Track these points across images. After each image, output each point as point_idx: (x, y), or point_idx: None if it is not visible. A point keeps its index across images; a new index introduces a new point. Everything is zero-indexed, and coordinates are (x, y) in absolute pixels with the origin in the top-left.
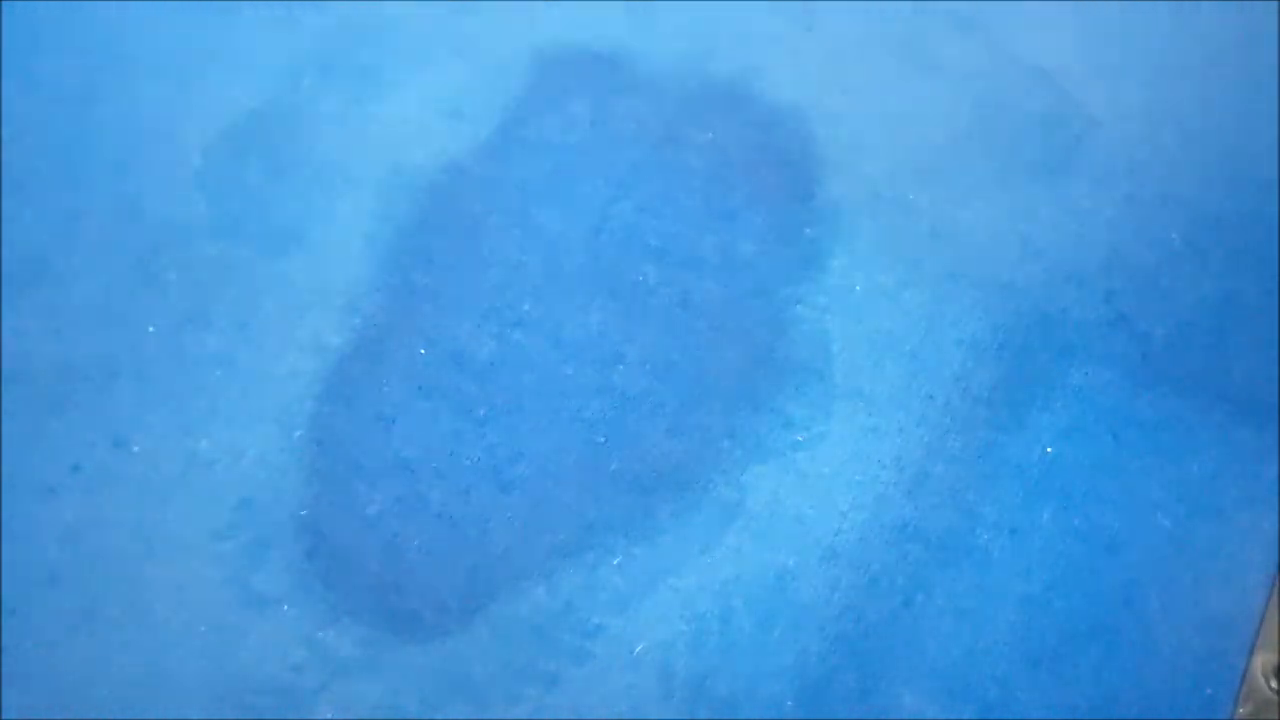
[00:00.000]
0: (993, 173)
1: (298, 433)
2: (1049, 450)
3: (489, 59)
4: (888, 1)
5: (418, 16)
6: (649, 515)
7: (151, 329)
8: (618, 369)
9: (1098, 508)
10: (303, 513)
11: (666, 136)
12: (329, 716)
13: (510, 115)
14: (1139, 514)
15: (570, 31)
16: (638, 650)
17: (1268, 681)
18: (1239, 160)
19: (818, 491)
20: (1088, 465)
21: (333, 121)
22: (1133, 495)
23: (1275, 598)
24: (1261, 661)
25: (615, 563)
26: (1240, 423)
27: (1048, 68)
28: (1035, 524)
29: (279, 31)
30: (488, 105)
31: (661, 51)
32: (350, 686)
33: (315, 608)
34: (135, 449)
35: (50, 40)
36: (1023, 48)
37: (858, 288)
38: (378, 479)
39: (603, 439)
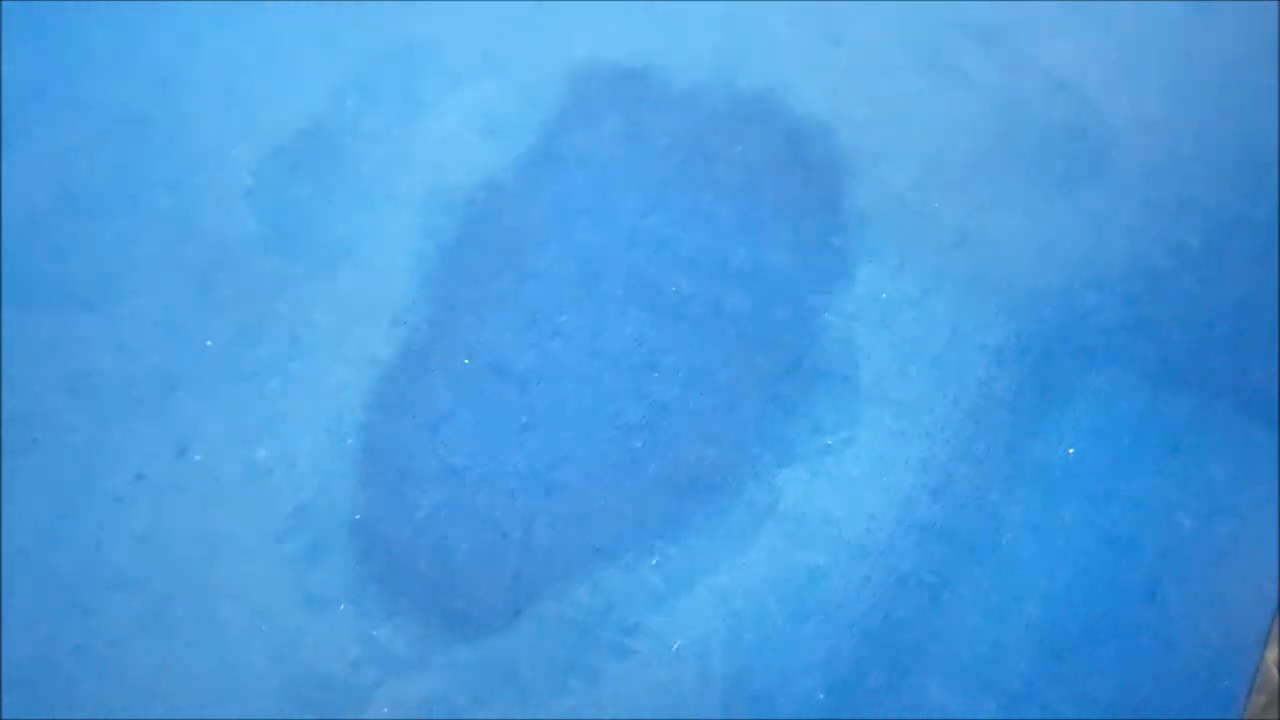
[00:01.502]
0: (1015, 181)
1: (349, 440)
2: (1071, 451)
3: (525, 78)
4: (912, 14)
5: (456, 38)
6: (685, 517)
7: (209, 343)
8: (653, 377)
9: (1118, 507)
10: (356, 517)
11: (697, 150)
12: (385, 710)
13: (546, 132)
14: (1158, 513)
15: (603, 50)
16: (676, 647)
17: None
18: (1257, 166)
19: (847, 493)
20: (1109, 466)
21: (376, 141)
22: (1152, 495)
23: None
24: (1277, 654)
25: (653, 563)
26: (1258, 424)
27: (1069, 78)
28: (1058, 523)
29: (324, 54)
30: (524, 123)
31: (692, 67)
32: (404, 682)
33: (370, 607)
34: (196, 458)
35: (106, 67)
36: (1044, 58)
37: (884, 295)
38: (426, 484)
39: (639, 444)
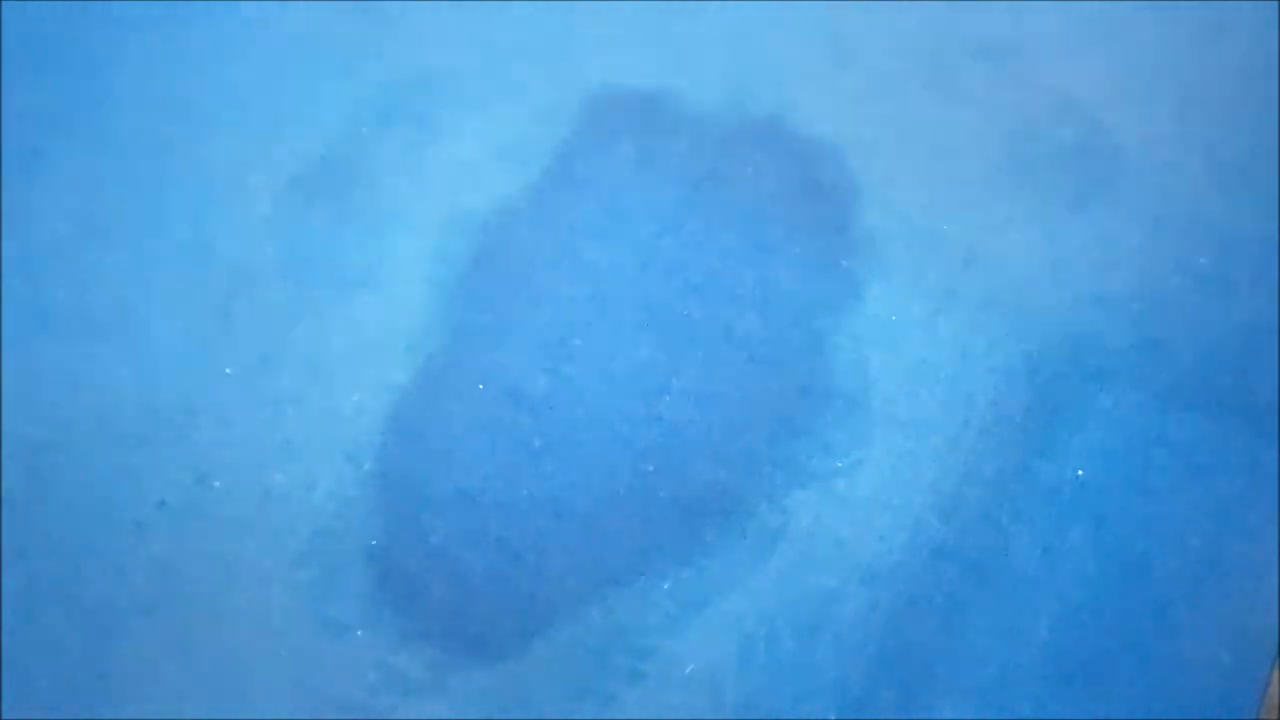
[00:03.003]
0: (1023, 201)
1: (366, 466)
2: (1080, 472)
3: (538, 104)
4: (919, 36)
5: (470, 65)
6: (697, 540)
7: (228, 370)
8: (664, 400)
9: (1128, 527)
10: (372, 542)
11: (707, 174)
12: None
13: (559, 157)
14: (1168, 533)
15: (614, 76)
16: (688, 670)
17: None
18: (1265, 185)
19: (858, 515)
20: (1118, 486)
21: (392, 167)
22: (1162, 515)
23: None
24: None
25: (666, 586)
26: (1267, 444)
27: (1076, 97)
28: (1067, 544)
29: (341, 82)
30: (538, 148)
31: (701, 92)
32: (420, 707)
33: (386, 633)
34: (216, 484)
35: (126, 97)
36: (1052, 78)
37: (893, 317)
38: (441, 509)
39: (652, 468)
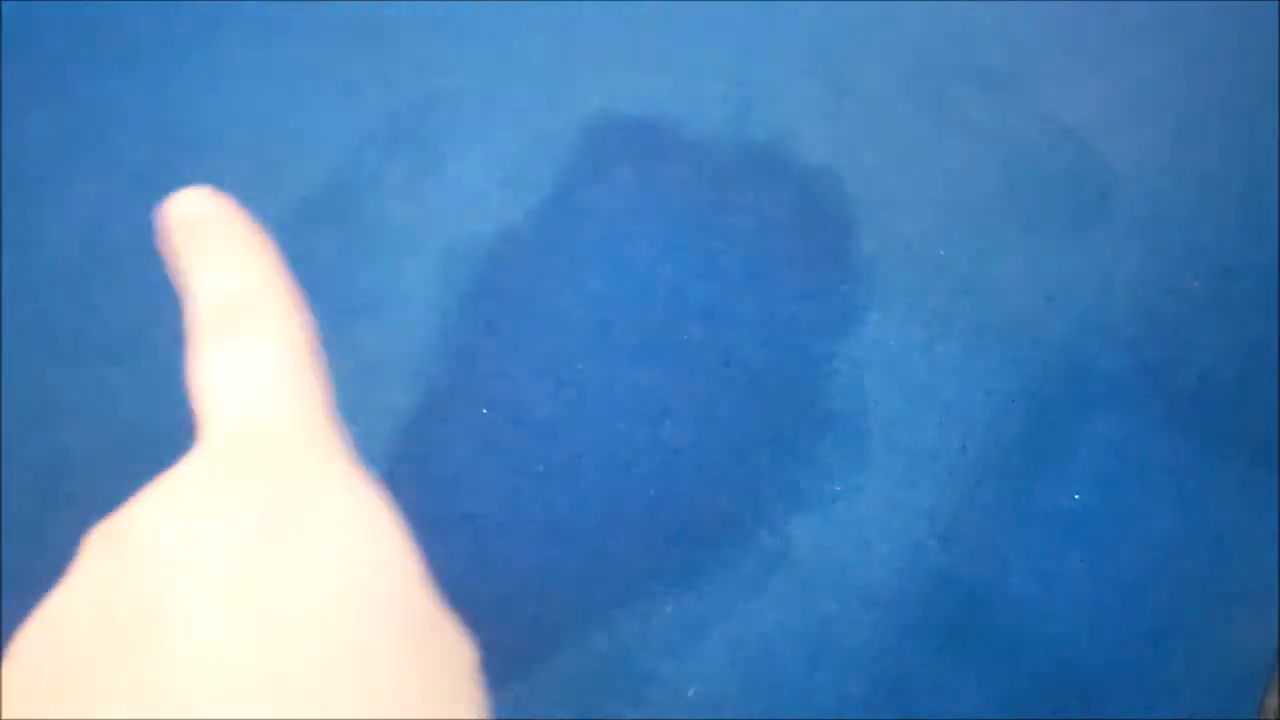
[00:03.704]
0: (1020, 227)
1: None
2: (1077, 498)
3: (540, 130)
4: (918, 64)
5: (473, 90)
6: (698, 565)
7: None
8: (665, 424)
9: (1125, 553)
10: None
11: (707, 200)
12: None
13: (560, 183)
14: (1165, 559)
15: (615, 102)
16: (691, 694)
17: None
18: (1261, 211)
19: (857, 540)
20: (1115, 512)
21: (396, 193)
22: (1159, 540)
23: None
24: (1277, 701)
25: (668, 610)
26: (1264, 469)
27: (1072, 124)
28: (1064, 570)
29: (345, 108)
30: (540, 174)
31: (702, 118)
32: None
33: None
34: None
35: (133, 124)
36: (1049, 106)
37: (892, 342)
38: (445, 533)
39: (653, 492)
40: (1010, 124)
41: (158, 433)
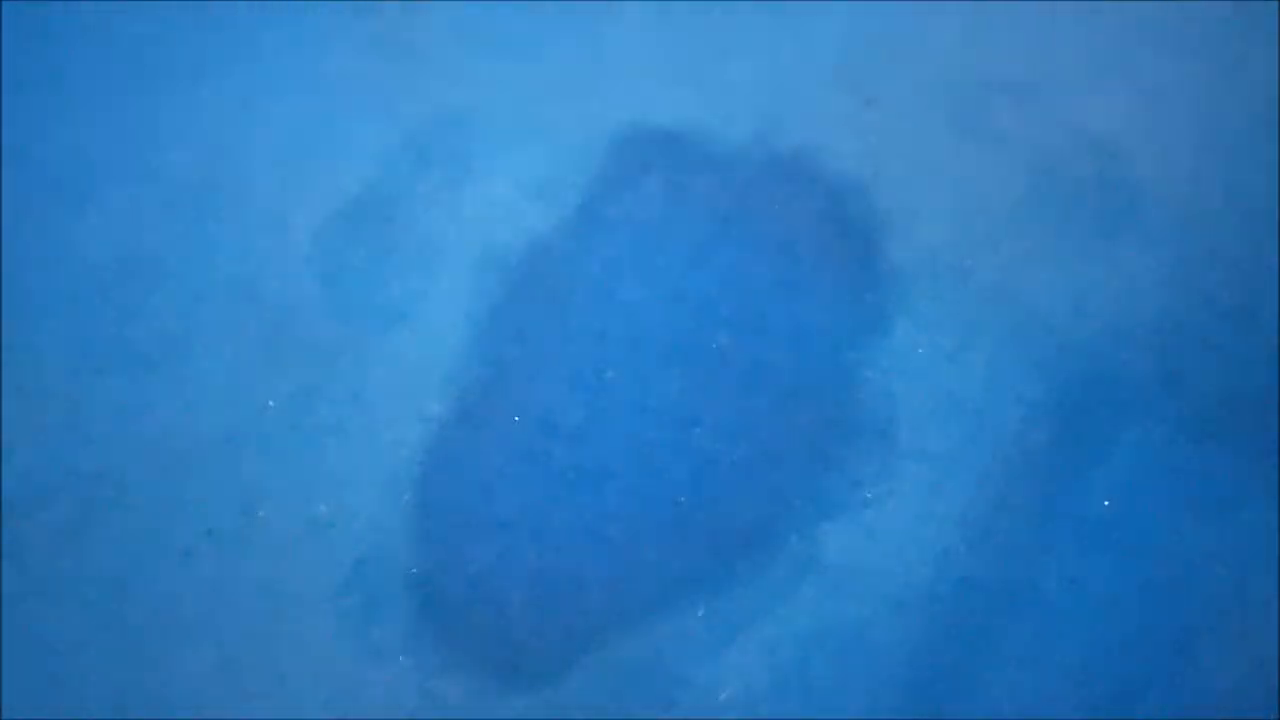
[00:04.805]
0: (1047, 236)
1: (406, 496)
2: (1106, 504)
3: (571, 142)
4: (944, 75)
5: (504, 104)
6: (729, 570)
7: (271, 402)
8: (696, 432)
9: (1153, 559)
10: (414, 571)
11: (736, 210)
12: None
13: (591, 194)
14: (1193, 564)
15: (645, 114)
16: (723, 698)
17: None
18: None
19: (887, 546)
20: (1143, 518)
21: (429, 204)
22: (1187, 546)
23: None
24: None
25: (699, 615)
26: None
27: (1098, 133)
28: (1094, 575)
29: (378, 122)
30: (570, 185)
31: (730, 130)
32: None
33: (428, 659)
34: (261, 514)
35: (171, 137)
36: (1074, 115)
37: (920, 350)
38: (479, 539)
39: (684, 499)
40: (1036, 135)
41: (196, 438)
